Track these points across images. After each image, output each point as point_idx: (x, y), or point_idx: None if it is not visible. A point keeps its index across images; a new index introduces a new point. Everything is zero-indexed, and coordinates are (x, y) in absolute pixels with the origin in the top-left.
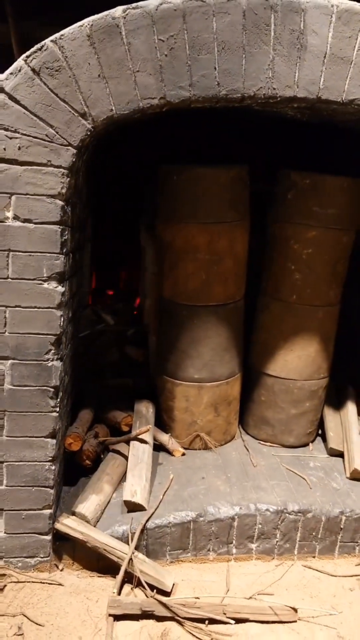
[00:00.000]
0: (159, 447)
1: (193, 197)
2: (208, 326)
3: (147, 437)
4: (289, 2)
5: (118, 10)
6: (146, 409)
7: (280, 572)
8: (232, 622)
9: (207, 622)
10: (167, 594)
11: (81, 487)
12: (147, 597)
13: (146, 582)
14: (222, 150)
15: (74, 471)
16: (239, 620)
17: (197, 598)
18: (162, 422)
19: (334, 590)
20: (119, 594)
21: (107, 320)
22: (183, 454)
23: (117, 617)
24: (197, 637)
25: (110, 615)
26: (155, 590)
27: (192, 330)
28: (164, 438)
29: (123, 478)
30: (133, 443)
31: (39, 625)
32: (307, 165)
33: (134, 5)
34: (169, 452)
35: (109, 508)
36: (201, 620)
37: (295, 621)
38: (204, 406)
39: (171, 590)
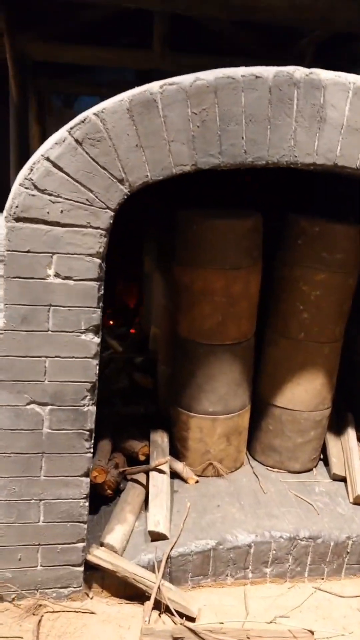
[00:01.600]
0: (173, 474)
1: (212, 245)
2: (223, 363)
3: (164, 467)
4: (310, 80)
5: (155, 86)
6: (161, 439)
7: (293, 594)
8: None
9: None
10: (192, 619)
11: (103, 515)
12: (175, 623)
13: (175, 610)
14: (228, 189)
15: (94, 499)
16: None
17: (222, 623)
18: (176, 450)
19: (344, 611)
20: (149, 621)
21: (115, 346)
22: (197, 482)
23: None
24: None
25: None
26: (184, 617)
27: (207, 367)
28: (179, 467)
29: (142, 506)
30: (152, 473)
31: None
32: (313, 207)
33: (170, 81)
34: (183, 480)
35: (133, 537)
36: None
37: None
38: (217, 437)
39: (196, 616)
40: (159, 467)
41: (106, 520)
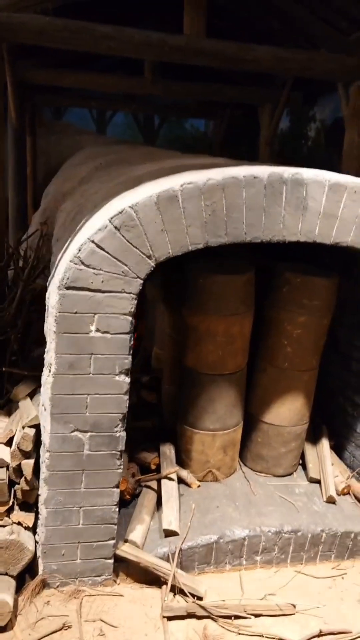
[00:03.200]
0: (178, 480)
1: (215, 296)
2: (222, 389)
3: (172, 475)
4: (296, 178)
5: (177, 185)
6: (169, 451)
7: (279, 576)
8: (252, 617)
9: (233, 618)
10: (200, 598)
11: (123, 516)
12: (186, 602)
13: (189, 592)
14: None
15: None
16: (256, 615)
17: (224, 601)
18: (180, 459)
19: (319, 589)
20: (167, 600)
21: None
22: (198, 486)
23: (169, 618)
24: (227, 629)
25: (164, 616)
26: (195, 597)
27: (209, 392)
28: (184, 474)
29: (155, 508)
30: (163, 481)
31: (114, 627)
32: (295, 253)
33: (188, 180)
34: (187, 485)
35: (150, 534)
36: (229, 617)
37: (294, 614)
38: (216, 449)
39: (203, 596)
40: (169, 475)
41: (126, 520)
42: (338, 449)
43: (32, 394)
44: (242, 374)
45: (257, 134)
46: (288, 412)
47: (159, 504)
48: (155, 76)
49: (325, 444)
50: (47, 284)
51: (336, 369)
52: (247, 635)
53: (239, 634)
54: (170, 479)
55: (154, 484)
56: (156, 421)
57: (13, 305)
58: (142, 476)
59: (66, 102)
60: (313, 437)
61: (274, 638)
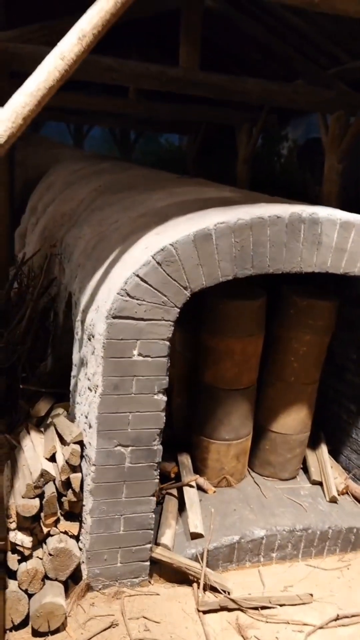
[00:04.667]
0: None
1: (232, 319)
2: (237, 403)
3: (192, 482)
4: (312, 218)
5: (211, 224)
6: (187, 460)
7: (293, 570)
8: (277, 606)
9: (260, 608)
10: (229, 593)
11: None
12: (216, 597)
13: (219, 588)
14: None
15: None
16: (280, 605)
17: (250, 594)
18: (196, 467)
19: (329, 579)
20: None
21: None
22: (214, 492)
23: (205, 612)
24: (256, 619)
25: (199, 610)
26: (227, 592)
27: (226, 405)
28: (200, 481)
29: (177, 513)
30: (185, 488)
31: (157, 622)
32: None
33: (221, 221)
34: (204, 491)
35: (177, 537)
36: (256, 608)
37: (312, 602)
38: (230, 457)
39: (231, 591)
40: (190, 483)
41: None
42: (335, 453)
43: (49, 411)
44: (254, 388)
45: (230, 149)
46: (293, 421)
47: (180, 509)
48: (139, 97)
49: (324, 449)
50: (74, 308)
51: (332, 380)
52: (274, 623)
53: (267, 622)
54: (191, 486)
55: (173, 491)
56: (169, 433)
57: (23, 324)
58: (163, 485)
59: (45, 116)
60: (313, 443)
61: (298, 624)
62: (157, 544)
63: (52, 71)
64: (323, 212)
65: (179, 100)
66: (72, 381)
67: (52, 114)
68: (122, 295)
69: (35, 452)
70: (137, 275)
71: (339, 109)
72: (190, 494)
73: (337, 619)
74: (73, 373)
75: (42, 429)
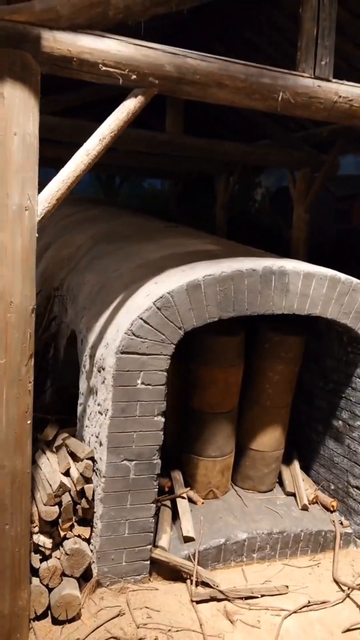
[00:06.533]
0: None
1: (217, 353)
2: (221, 424)
3: (184, 494)
4: (281, 270)
5: (200, 276)
6: (179, 476)
7: (271, 568)
8: (258, 596)
9: (244, 598)
10: (217, 587)
11: None
12: (204, 589)
13: (209, 583)
14: None
15: None
16: (261, 595)
17: (235, 587)
18: (187, 482)
19: (302, 575)
20: (194, 589)
21: None
22: (202, 503)
23: (197, 602)
24: (241, 607)
25: (193, 600)
26: (217, 586)
27: (212, 427)
28: (191, 493)
29: (171, 521)
30: (178, 499)
31: (157, 611)
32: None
33: (208, 273)
34: (194, 502)
35: (171, 541)
36: (241, 598)
37: (287, 593)
38: (216, 472)
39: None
40: (182, 495)
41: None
42: (306, 469)
43: (55, 435)
44: (235, 411)
45: (209, 193)
46: (270, 440)
47: (173, 518)
48: (129, 152)
49: (296, 464)
50: (81, 344)
51: (302, 405)
52: (256, 609)
53: (250, 609)
54: (183, 497)
55: (167, 503)
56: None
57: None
58: (159, 497)
59: (44, 164)
60: (286, 459)
61: (276, 609)
62: (155, 546)
63: (79, 164)
64: (289, 265)
65: (164, 154)
66: (80, 408)
67: (51, 163)
68: (128, 335)
69: (52, 467)
70: (141, 318)
71: (305, 167)
72: (182, 504)
73: (308, 605)
74: (80, 401)
75: (54, 449)
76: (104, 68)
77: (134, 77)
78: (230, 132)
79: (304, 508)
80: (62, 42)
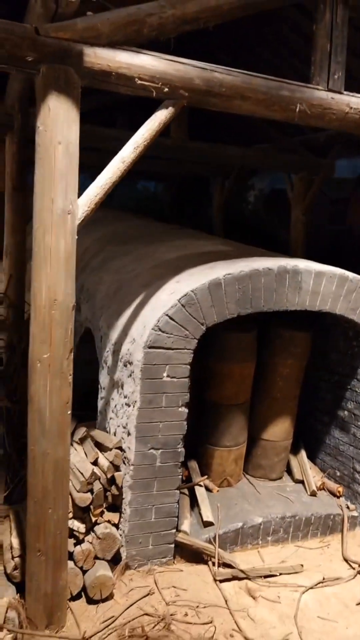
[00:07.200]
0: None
1: (233, 348)
2: (235, 415)
3: (202, 482)
4: (294, 269)
5: (221, 275)
6: (195, 465)
7: (285, 550)
8: (277, 574)
9: (263, 577)
10: (238, 567)
11: None
12: (225, 570)
13: (230, 564)
14: None
15: None
16: (279, 574)
17: (253, 567)
18: (203, 471)
19: (314, 556)
20: (216, 570)
21: None
22: (217, 491)
23: (221, 581)
24: (261, 585)
25: (216, 580)
26: (238, 566)
27: (227, 418)
28: (207, 482)
29: (190, 507)
30: (196, 487)
31: (184, 589)
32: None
33: (228, 272)
34: (209, 490)
35: (192, 525)
36: (260, 576)
37: (302, 571)
38: (230, 461)
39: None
40: (200, 483)
41: None
42: (312, 457)
43: (75, 428)
44: (248, 403)
45: (204, 195)
46: (279, 430)
47: (191, 505)
48: None
49: (303, 453)
50: (100, 341)
51: (309, 397)
52: (275, 587)
53: (270, 586)
54: (200, 485)
55: (185, 491)
56: None
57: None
58: (182, 485)
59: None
60: (294, 449)
61: (294, 586)
62: (178, 531)
63: (115, 171)
64: (302, 264)
65: (168, 158)
66: (101, 402)
67: None
68: (155, 330)
69: (80, 457)
70: (167, 315)
71: (303, 170)
72: (200, 492)
73: (322, 581)
74: (101, 395)
75: (78, 441)
76: (139, 82)
77: (166, 90)
78: (229, 136)
79: (313, 494)
80: (102, 57)
